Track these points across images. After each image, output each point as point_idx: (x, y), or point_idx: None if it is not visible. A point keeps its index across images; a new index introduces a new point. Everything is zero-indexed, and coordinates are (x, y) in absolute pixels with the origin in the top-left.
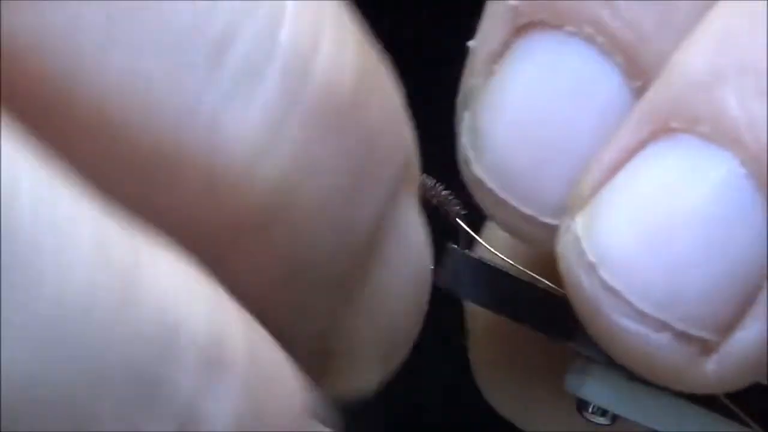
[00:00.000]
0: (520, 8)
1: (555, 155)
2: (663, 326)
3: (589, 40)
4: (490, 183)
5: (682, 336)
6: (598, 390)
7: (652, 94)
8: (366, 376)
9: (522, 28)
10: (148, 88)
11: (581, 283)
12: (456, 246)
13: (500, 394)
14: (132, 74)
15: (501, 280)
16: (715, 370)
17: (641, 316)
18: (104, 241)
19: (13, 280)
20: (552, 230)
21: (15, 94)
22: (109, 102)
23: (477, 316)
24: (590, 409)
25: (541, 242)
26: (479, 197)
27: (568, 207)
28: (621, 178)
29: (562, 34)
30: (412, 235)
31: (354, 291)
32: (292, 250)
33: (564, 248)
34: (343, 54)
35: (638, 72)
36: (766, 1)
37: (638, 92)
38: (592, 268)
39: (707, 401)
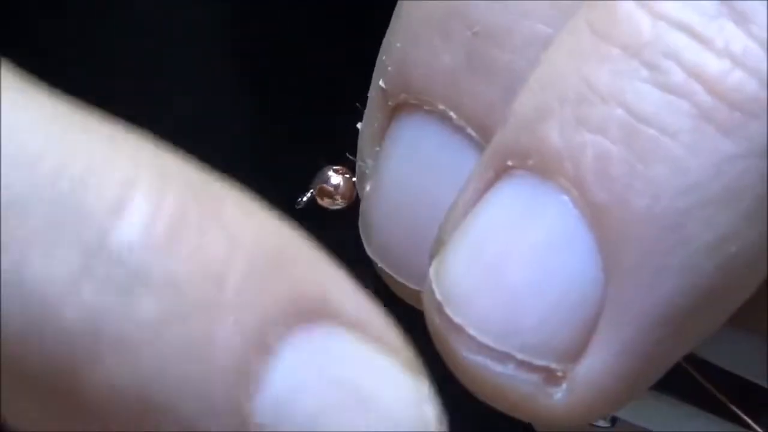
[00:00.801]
0: (387, 91)
1: (425, 230)
2: (506, 357)
3: (444, 117)
4: (379, 263)
5: (526, 365)
6: None
7: (494, 140)
8: None
9: (393, 109)
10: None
11: (434, 322)
12: None
13: None
14: None
15: None
16: (565, 399)
17: (484, 349)
18: None
19: None
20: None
21: None
22: None
23: None
24: None
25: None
26: (380, 275)
27: (430, 257)
28: (467, 220)
29: (422, 114)
30: None
31: None
32: None
33: (423, 295)
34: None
35: (491, 137)
36: (586, 36)
37: None
38: (440, 306)
39: (707, 403)
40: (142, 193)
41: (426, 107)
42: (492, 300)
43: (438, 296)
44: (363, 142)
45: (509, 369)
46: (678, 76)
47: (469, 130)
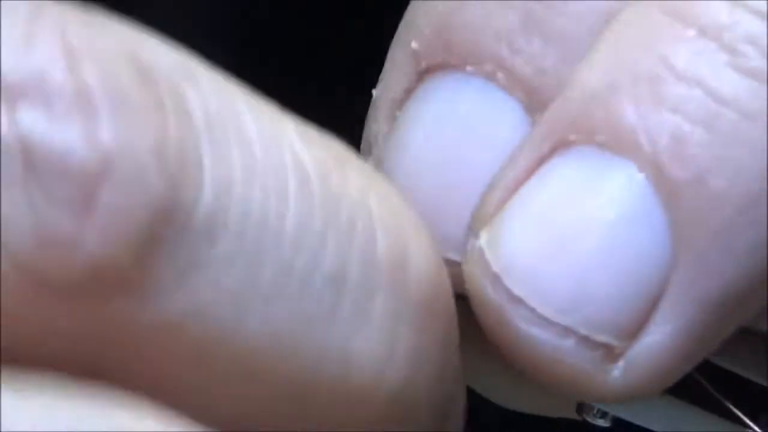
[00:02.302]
0: (420, 52)
1: (458, 192)
2: (567, 332)
3: (489, 77)
4: None
5: (586, 341)
6: None
7: (551, 112)
8: None
9: (424, 72)
10: (281, 336)
11: (487, 295)
12: None
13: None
14: (267, 326)
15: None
16: (621, 376)
17: (545, 322)
18: None
19: None
20: (455, 265)
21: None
22: (247, 356)
23: None
24: (590, 411)
25: (453, 281)
26: None
27: (472, 228)
28: (523, 191)
29: (463, 74)
30: None
31: None
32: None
33: (469, 264)
34: (426, 252)
35: (540, 105)
36: (658, 15)
37: None
38: (496, 278)
39: (707, 403)
40: None
41: (469, 67)
42: (557, 272)
43: (494, 267)
44: (380, 108)
45: (569, 343)
46: (757, 60)
47: (518, 93)
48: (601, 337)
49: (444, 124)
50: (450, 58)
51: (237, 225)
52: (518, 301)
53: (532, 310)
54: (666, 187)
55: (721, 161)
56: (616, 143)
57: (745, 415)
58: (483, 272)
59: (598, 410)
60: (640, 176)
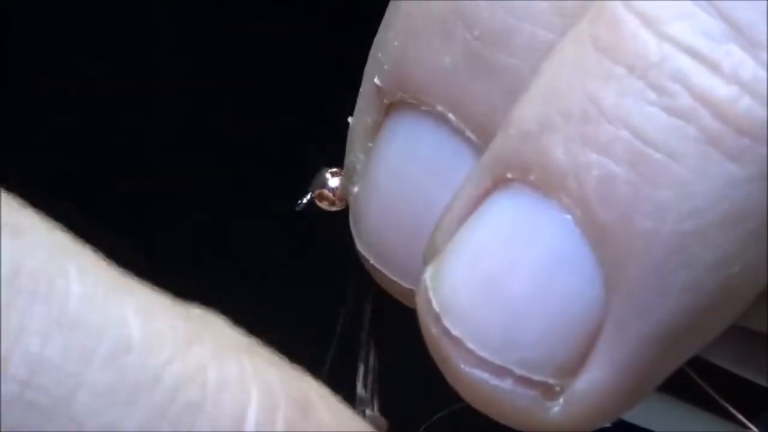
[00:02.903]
0: (383, 88)
1: (418, 228)
2: (504, 372)
3: (441, 118)
4: (370, 259)
5: (524, 380)
6: None
7: (491, 150)
8: None
9: (389, 106)
10: None
11: (430, 332)
12: None
13: None
14: None
15: None
16: (562, 413)
17: (483, 362)
18: None
19: None
20: None
21: None
22: None
23: None
24: None
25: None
26: (371, 273)
27: (424, 261)
28: (463, 230)
29: (420, 113)
30: None
31: None
32: None
33: (418, 299)
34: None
35: (490, 140)
36: (590, 51)
37: None
38: (437, 317)
39: (707, 403)
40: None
41: (424, 107)
42: (491, 314)
43: (435, 306)
44: (354, 137)
45: (507, 383)
46: (685, 100)
47: (468, 133)
48: (538, 377)
49: (406, 164)
50: (406, 97)
51: (22, 370)
52: (457, 341)
53: (470, 351)
54: (594, 228)
55: (648, 203)
56: (546, 183)
57: (744, 414)
58: (427, 310)
59: None
60: (568, 217)
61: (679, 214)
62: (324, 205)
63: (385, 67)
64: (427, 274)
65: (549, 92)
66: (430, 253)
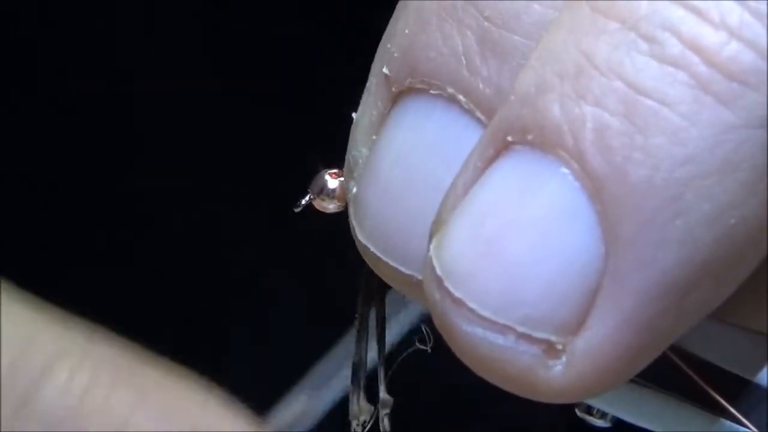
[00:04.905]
0: (391, 77)
1: (425, 213)
2: (507, 330)
3: (452, 100)
4: (373, 248)
5: (526, 338)
6: None
7: (495, 118)
8: None
9: (396, 96)
10: None
11: (434, 298)
12: None
13: None
14: None
15: None
16: (564, 372)
17: (485, 322)
18: None
19: None
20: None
21: None
22: None
23: None
24: (590, 412)
25: (420, 299)
26: (370, 263)
27: (430, 237)
28: (468, 197)
29: (428, 98)
30: None
31: None
32: None
33: (423, 272)
34: None
35: None
36: (585, 11)
37: None
38: (440, 282)
39: (707, 403)
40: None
41: (433, 91)
42: (492, 273)
43: (438, 272)
44: (358, 132)
45: (509, 341)
46: (675, 47)
47: (478, 114)
48: (540, 334)
49: (412, 148)
50: (416, 83)
51: None
52: (459, 302)
53: (472, 311)
54: (591, 181)
55: (642, 151)
56: (543, 141)
57: (744, 414)
58: (429, 278)
59: (598, 410)
60: (566, 172)
61: (673, 161)
62: (323, 206)
63: (395, 55)
64: (432, 245)
65: (546, 55)
66: (435, 226)
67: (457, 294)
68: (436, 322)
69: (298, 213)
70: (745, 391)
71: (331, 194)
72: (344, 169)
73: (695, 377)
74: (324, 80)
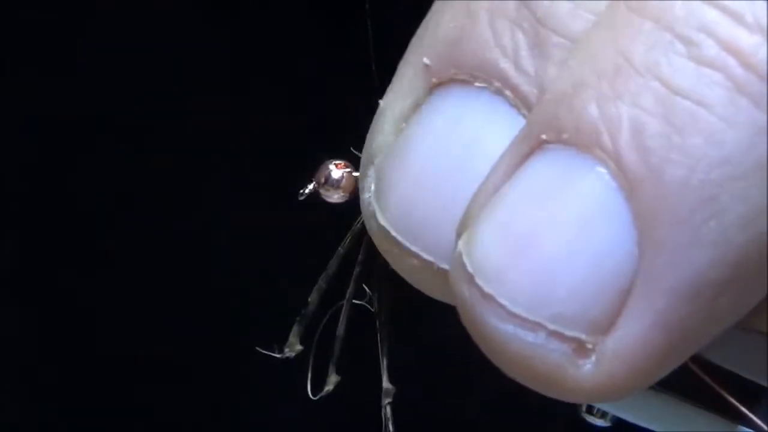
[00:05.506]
0: (432, 68)
1: (454, 202)
2: (538, 327)
3: (498, 93)
4: (395, 233)
5: (557, 336)
6: None
7: (530, 115)
8: None
9: (434, 86)
10: None
11: (464, 295)
12: None
13: None
14: None
15: None
16: (593, 371)
17: (517, 319)
18: None
19: None
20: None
21: None
22: None
23: None
24: (590, 411)
25: (437, 291)
26: (384, 248)
27: (459, 231)
28: (500, 194)
29: (472, 88)
30: None
31: None
32: None
33: (451, 269)
34: None
35: None
36: (622, 11)
37: None
38: (471, 278)
39: (708, 403)
40: None
41: (479, 83)
42: (524, 270)
43: (469, 268)
44: (386, 119)
45: (539, 338)
46: (712, 49)
47: (523, 110)
48: (572, 332)
49: (451, 137)
50: (461, 74)
51: None
52: (489, 298)
53: (503, 307)
54: (627, 181)
55: (679, 151)
56: (579, 140)
57: (745, 415)
58: (460, 274)
59: (598, 410)
60: (602, 171)
61: (709, 162)
62: (327, 196)
63: (439, 47)
64: (461, 241)
65: (584, 55)
66: (465, 222)
67: (488, 289)
68: (464, 318)
69: (302, 202)
70: (751, 392)
71: (335, 184)
72: (363, 156)
73: (696, 376)
74: (331, 74)
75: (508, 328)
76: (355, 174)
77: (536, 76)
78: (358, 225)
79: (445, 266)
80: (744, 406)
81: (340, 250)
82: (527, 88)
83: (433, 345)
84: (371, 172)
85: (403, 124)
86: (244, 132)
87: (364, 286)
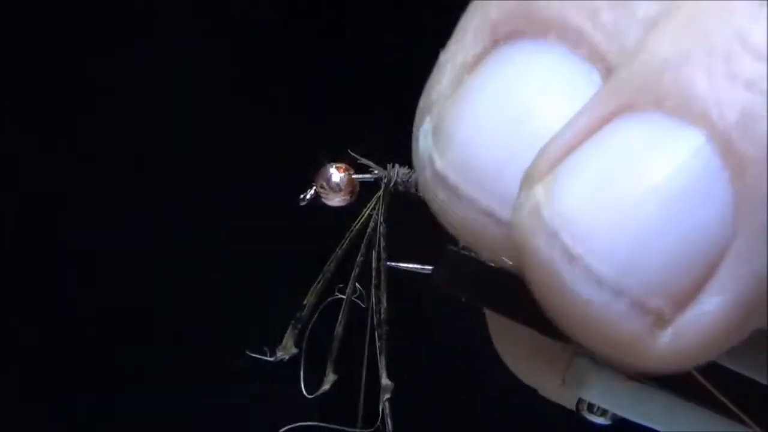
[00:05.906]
0: (500, 20)
1: (522, 154)
2: (620, 294)
3: (573, 47)
4: (454, 178)
5: (639, 305)
6: (598, 390)
7: (619, 74)
8: None
9: (501, 38)
10: None
11: (539, 249)
12: (454, 246)
13: (513, 357)
14: None
15: (499, 278)
16: (669, 343)
17: (600, 282)
18: None
19: None
20: (507, 229)
21: None
22: None
23: None
24: (591, 409)
25: (492, 243)
26: (439, 197)
27: (524, 183)
28: (583, 150)
29: (543, 42)
30: None
31: None
32: None
33: (520, 217)
34: None
35: None
36: None
37: None
38: (553, 233)
39: (707, 401)
40: None
41: (552, 36)
42: (618, 234)
43: (551, 223)
44: (448, 69)
45: (621, 305)
46: None
47: (598, 66)
48: (654, 302)
49: (521, 87)
50: (530, 27)
51: None
52: (574, 258)
53: (588, 269)
54: (733, 162)
55: None
56: (686, 112)
57: (745, 413)
58: (536, 227)
59: (599, 408)
60: (708, 147)
61: None
62: (327, 199)
63: (509, 1)
64: (538, 193)
65: (691, 25)
66: (537, 173)
67: (577, 249)
68: (535, 273)
69: (303, 206)
70: (749, 391)
71: (335, 188)
72: (420, 104)
73: (697, 376)
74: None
75: (589, 291)
76: (356, 176)
77: (616, 34)
78: (358, 225)
79: (507, 216)
80: (748, 407)
81: (338, 252)
82: (606, 45)
83: (442, 342)
84: (428, 120)
85: (466, 75)
86: (243, 132)
87: (357, 285)
